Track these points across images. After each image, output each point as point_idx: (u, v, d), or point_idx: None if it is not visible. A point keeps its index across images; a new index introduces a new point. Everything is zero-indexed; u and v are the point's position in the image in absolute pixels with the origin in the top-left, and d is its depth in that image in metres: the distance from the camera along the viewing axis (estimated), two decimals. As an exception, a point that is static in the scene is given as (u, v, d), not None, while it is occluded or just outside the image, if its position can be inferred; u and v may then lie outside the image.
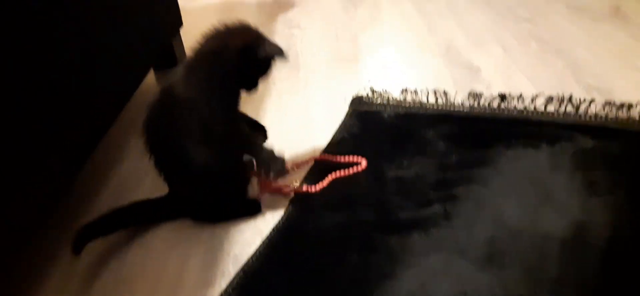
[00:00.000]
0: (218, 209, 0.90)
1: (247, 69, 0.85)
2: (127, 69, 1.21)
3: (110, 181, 1.08)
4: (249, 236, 0.88)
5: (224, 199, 0.90)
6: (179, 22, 1.55)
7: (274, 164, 0.87)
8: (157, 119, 0.84)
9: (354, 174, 0.95)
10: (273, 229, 0.86)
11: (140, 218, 0.92)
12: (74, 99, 0.93)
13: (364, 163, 0.97)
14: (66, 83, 0.90)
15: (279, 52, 0.84)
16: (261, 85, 1.40)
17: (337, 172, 0.95)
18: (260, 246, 0.83)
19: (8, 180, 0.72)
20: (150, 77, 1.54)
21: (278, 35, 1.74)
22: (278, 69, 1.46)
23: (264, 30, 1.77)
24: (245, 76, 0.86)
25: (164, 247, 0.88)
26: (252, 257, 0.81)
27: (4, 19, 0.72)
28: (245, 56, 0.82)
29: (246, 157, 0.93)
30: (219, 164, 0.83)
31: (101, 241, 0.91)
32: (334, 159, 1.00)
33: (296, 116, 1.24)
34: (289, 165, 0.96)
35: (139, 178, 1.08)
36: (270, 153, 0.89)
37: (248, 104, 1.30)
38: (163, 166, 0.87)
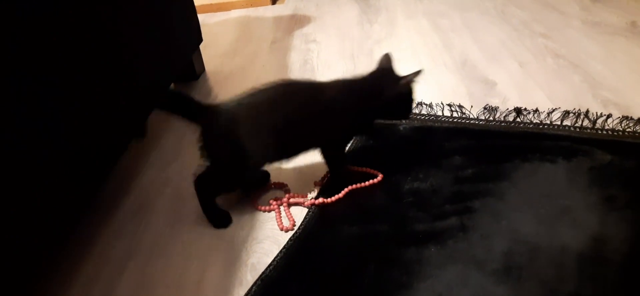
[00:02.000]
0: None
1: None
2: (150, 82, 1.25)
3: (132, 192, 1.11)
4: (267, 246, 0.89)
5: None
6: (199, 38, 1.60)
7: None
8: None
9: (370, 186, 0.96)
10: (290, 240, 0.88)
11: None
12: (99, 111, 0.97)
13: (380, 176, 0.98)
14: (92, 96, 0.94)
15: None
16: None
17: (354, 185, 0.97)
18: (278, 256, 0.84)
19: (36, 190, 0.76)
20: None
21: (295, 49, 1.78)
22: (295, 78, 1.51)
23: (281, 44, 1.82)
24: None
25: (184, 256, 0.90)
26: (269, 266, 0.82)
27: (30, 39, 0.76)
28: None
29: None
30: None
31: (121, 249, 0.95)
32: (350, 170, 1.01)
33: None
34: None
35: (160, 189, 1.11)
36: None
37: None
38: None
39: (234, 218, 0.98)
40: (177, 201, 1.06)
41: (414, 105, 1.03)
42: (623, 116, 1.06)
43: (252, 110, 0.91)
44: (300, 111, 0.92)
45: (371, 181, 0.97)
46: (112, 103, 1.02)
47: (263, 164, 0.97)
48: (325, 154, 0.99)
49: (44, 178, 0.78)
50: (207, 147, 0.92)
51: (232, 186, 0.99)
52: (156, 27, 1.28)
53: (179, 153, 1.24)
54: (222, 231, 0.95)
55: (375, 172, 0.99)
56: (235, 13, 2.31)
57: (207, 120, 0.92)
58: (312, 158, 1.12)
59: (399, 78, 0.95)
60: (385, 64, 1.00)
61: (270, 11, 2.27)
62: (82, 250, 0.96)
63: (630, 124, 1.03)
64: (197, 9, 1.58)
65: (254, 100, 0.92)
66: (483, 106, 1.19)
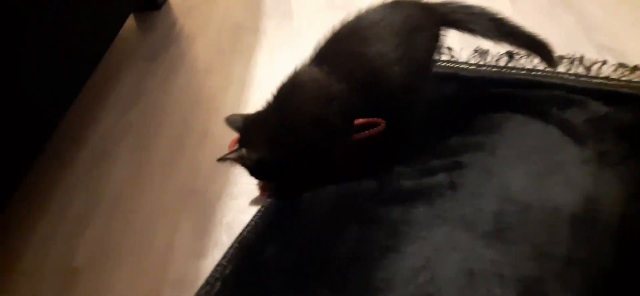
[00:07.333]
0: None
1: None
2: (107, 12, 1.10)
3: (89, 140, 1.01)
4: (242, 203, 0.83)
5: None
6: (160, -39, 1.42)
7: None
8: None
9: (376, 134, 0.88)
10: (269, 199, 0.81)
11: None
12: (50, 44, 0.84)
13: (382, 123, 0.89)
14: (42, 27, 0.81)
15: None
16: (252, 35, 1.31)
17: (359, 134, 0.88)
18: (256, 215, 0.78)
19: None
20: (131, 24, 1.43)
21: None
22: (268, 19, 1.38)
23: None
24: None
25: (152, 213, 0.83)
26: (246, 228, 0.76)
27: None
28: None
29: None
30: None
31: (82, 203, 0.86)
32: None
33: (288, 66, 1.15)
34: None
35: (121, 136, 1.01)
36: None
37: (236, 57, 1.22)
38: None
39: (205, 171, 0.90)
40: (141, 151, 0.97)
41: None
42: (619, 64, 1.01)
43: None
44: None
45: (376, 129, 0.88)
46: (63, 34, 0.88)
47: None
48: None
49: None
50: None
51: None
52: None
53: (141, 95, 1.12)
54: (192, 185, 0.87)
55: (377, 120, 0.90)
56: None
57: None
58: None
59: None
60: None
61: None
62: (35, 206, 0.86)
63: (626, 73, 0.98)
64: None
65: None
66: (473, 48, 1.10)
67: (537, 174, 0.79)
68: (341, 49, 0.79)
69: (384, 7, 0.82)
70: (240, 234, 0.75)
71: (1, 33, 0.70)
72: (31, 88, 0.79)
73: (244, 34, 1.32)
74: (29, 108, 0.78)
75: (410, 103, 0.83)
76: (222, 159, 0.73)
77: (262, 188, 0.84)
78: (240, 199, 0.83)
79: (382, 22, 0.79)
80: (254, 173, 0.77)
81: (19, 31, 0.74)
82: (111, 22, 1.14)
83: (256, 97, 1.07)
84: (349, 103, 0.75)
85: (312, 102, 0.75)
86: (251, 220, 0.77)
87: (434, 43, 0.86)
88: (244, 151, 0.73)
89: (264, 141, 0.74)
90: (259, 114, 0.78)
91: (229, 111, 1.03)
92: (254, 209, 0.80)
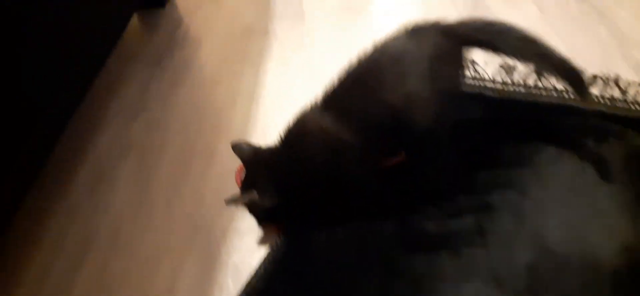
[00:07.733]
0: None
1: None
2: (111, 10, 1.02)
3: (87, 158, 0.94)
4: (250, 242, 0.76)
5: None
6: (164, -43, 1.33)
7: None
8: None
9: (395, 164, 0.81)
10: (278, 241, 0.74)
11: None
12: (50, 46, 0.77)
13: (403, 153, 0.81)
14: (41, 27, 0.74)
15: None
16: (261, 39, 1.24)
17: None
18: (265, 261, 0.72)
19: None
20: (134, 24, 1.34)
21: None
22: (279, 20, 1.29)
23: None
24: None
25: (153, 252, 0.77)
26: (254, 277, 0.70)
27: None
28: None
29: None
30: None
31: (80, 235, 0.80)
32: None
33: (301, 73, 1.08)
34: None
35: (122, 153, 0.94)
36: None
37: (245, 64, 1.15)
38: None
39: (210, 200, 0.83)
40: (144, 171, 0.91)
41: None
42: (657, 87, 0.92)
43: None
44: None
45: (394, 160, 0.82)
46: (65, 36, 0.81)
47: None
48: None
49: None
50: None
51: None
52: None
53: (144, 106, 1.05)
54: (197, 218, 0.81)
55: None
56: None
57: None
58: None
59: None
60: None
61: None
62: (30, 236, 0.81)
63: (667, 99, 0.90)
64: None
65: None
66: (499, 64, 1.02)
67: (574, 221, 0.72)
68: (357, 94, 0.72)
69: (403, 39, 0.75)
70: (248, 284, 0.69)
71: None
72: (30, 98, 0.72)
73: (253, 37, 1.24)
74: (28, 122, 0.72)
75: (436, 138, 0.76)
76: (230, 202, 0.67)
77: (269, 226, 0.78)
78: (247, 238, 0.77)
79: (404, 58, 0.71)
80: (261, 216, 0.71)
81: (17, 32, 0.68)
82: (115, 20, 1.06)
83: (266, 111, 1.00)
84: (363, 152, 0.69)
85: (320, 153, 0.69)
86: (260, 267, 0.71)
87: (459, 69, 0.80)
88: (255, 194, 0.66)
89: (274, 187, 0.67)
90: (268, 156, 0.71)
91: (238, 126, 0.98)
92: (263, 250, 0.74)
